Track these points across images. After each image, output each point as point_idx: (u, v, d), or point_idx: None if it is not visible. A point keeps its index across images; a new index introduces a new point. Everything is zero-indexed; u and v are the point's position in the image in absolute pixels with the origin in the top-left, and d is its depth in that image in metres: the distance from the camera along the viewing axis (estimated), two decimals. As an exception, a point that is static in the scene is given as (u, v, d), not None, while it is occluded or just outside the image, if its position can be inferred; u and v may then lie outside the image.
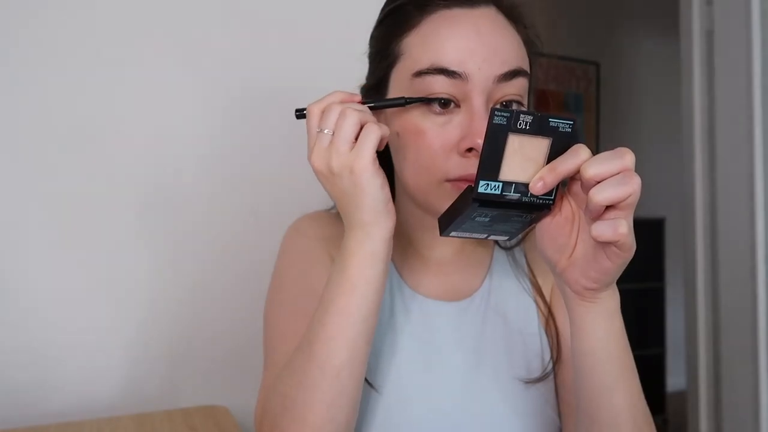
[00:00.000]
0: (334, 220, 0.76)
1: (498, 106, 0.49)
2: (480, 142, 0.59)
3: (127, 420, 0.88)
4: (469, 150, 0.62)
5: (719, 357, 1.85)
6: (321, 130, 0.58)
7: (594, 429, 0.59)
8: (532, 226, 0.56)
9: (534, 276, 0.75)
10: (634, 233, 0.51)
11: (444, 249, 0.75)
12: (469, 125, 0.62)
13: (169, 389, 1.00)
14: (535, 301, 0.74)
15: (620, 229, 0.49)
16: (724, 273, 1.82)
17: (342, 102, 0.60)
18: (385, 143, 0.59)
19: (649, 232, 3.28)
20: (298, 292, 0.70)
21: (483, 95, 0.62)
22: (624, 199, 0.48)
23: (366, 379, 0.65)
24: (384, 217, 0.58)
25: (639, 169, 0.51)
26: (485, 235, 0.57)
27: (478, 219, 0.53)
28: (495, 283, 0.74)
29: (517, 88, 0.64)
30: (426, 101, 0.62)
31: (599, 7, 3.55)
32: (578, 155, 0.50)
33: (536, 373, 0.71)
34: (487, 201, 0.51)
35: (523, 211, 0.52)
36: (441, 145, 0.62)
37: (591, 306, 0.55)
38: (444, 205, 0.63)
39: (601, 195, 0.48)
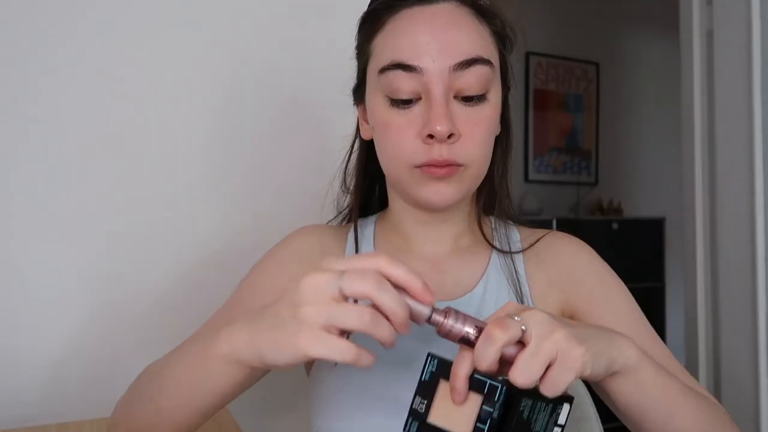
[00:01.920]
0: (332, 232, 0.79)
1: (433, 353, 0.52)
2: (438, 128, 0.64)
3: (127, 420, 0.88)
4: (430, 137, 0.65)
5: (719, 357, 1.85)
6: (340, 278, 0.48)
7: None
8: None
9: (531, 288, 0.75)
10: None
11: (439, 246, 0.76)
12: (427, 113, 0.65)
13: (169, 389, 1.00)
14: None
15: (549, 389, 0.48)
16: (724, 273, 1.82)
17: (398, 283, 0.50)
18: (388, 347, 0.51)
19: (649, 232, 3.28)
20: (240, 294, 0.76)
21: (441, 85, 0.65)
22: (508, 345, 0.48)
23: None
24: (255, 361, 0.52)
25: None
26: None
27: None
28: (491, 287, 0.74)
29: (477, 76, 0.66)
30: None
31: (599, 7, 3.56)
32: (466, 358, 0.50)
33: None
34: None
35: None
36: (405, 134, 0.67)
37: (614, 380, 0.55)
38: (418, 190, 0.68)
39: (480, 363, 0.48)
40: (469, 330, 0.50)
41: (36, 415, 0.91)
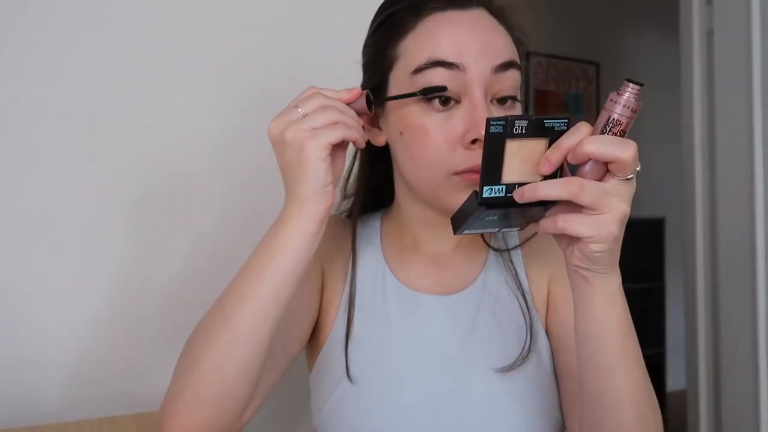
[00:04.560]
0: (341, 225, 0.80)
1: (493, 116, 0.54)
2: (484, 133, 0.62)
3: (127, 420, 0.88)
4: (474, 142, 0.64)
5: (719, 357, 1.85)
6: (296, 107, 0.60)
7: (597, 412, 0.60)
8: (540, 216, 0.57)
9: (530, 278, 0.77)
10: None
11: (443, 244, 0.77)
12: (471, 117, 0.64)
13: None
14: (525, 302, 0.75)
15: (559, 223, 0.52)
16: (724, 273, 1.82)
17: (339, 100, 0.62)
18: (360, 146, 0.63)
19: (649, 232, 3.28)
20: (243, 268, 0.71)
21: (482, 86, 0.65)
22: (613, 161, 0.51)
23: (347, 373, 0.71)
24: (320, 198, 0.60)
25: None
26: (497, 229, 0.61)
27: (487, 218, 0.56)
28: (490, 280, 0.76)
29: (512, 80, 0.67)
30: (432, 92, 0.64)
31: (599, 7, 3.56)
32: (580, 131, 0.52)
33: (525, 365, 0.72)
34: (493, 203, 0.53)
35: (529, 206, 0.54)
36: (445, 139, 0.65)
37: (587, 287, 0.56)
38: (453, 198, 0.66)
39: (590, 146, 0.50)
40: (618, 116, 0.52)
41: (36, 415, 0.91)
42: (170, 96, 1.01)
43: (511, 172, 0.53)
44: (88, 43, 0.96)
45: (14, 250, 0.92)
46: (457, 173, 0.65)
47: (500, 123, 0.51)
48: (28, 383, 0.92)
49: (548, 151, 0.52)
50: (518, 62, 0.68)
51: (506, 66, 0.66)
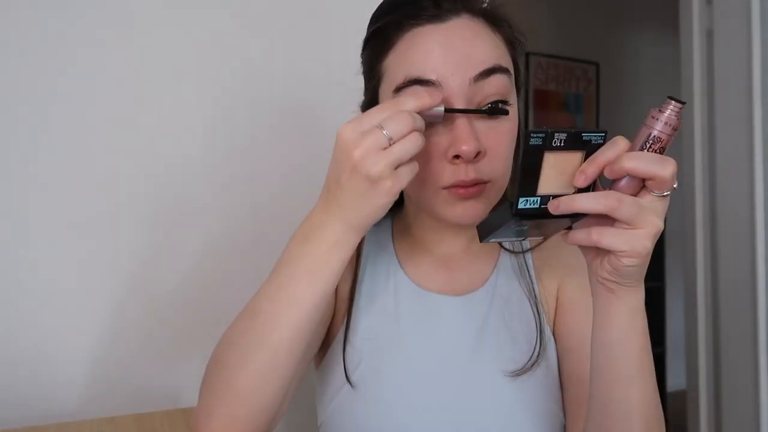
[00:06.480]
0: None
1: (533, 128, 0.53)
2: (465, 148, 0.62)
3: (127, 420, 0.88)
4: (456, 157, 0.63)
5: (719, 357, 1.85)
6: (381, 128, 0.55)
7: (606, 422, 0.60)
8: (568, 227, 0.57)
9: (539, 283, 0.76)
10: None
11: (452, 246, 0.77)
12: (452, 133, 0.63)
13: (169, 389, 1.00)
14: (536, 305, 0.75)
15: (593, 236, 0.52)
16: (724, 273, 1.82)
17: (422, 107, 0.59)
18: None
19: (649, 232, 3.27)
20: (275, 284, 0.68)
21: (461, 100, 0.63)
22: (651, 178, 0.50)
23: (346, 377, 0.70)
24: (364, 231, 0.59)
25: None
26: (523, 238, 0.61)
27: (517, 228, 0.56)
28: (500, 282, 0.76)
29: (497, 86, 0.65)
30: (497, 112, 0.64)
31: (599, 7, 3.55)
32: (617, 145, 0.52)
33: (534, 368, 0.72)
34: (527, 215, 0.53)
35: (559, 217, 0.54)
36: (431, 156, 0.64)
37: (613, 299, 0.56)
38: (446, 210, 0.66)
39: (631, 162, 0.50)
40: (658, 132, 0.52)
41: (36, 415, 0.91)
42: (173, 101, 1.01)
43: (546, 184, 0.53)
44: (91, 48, 0.96)
45: (20, 252, 0.92)
46: (444, 188, 0.65)
47: (540, 135, 0.51)
48: (28, 384, 0.92)
49: (584, 164, 0.52)
50: (503, 66, 0.65)
51: (487, 73, 0.64)
